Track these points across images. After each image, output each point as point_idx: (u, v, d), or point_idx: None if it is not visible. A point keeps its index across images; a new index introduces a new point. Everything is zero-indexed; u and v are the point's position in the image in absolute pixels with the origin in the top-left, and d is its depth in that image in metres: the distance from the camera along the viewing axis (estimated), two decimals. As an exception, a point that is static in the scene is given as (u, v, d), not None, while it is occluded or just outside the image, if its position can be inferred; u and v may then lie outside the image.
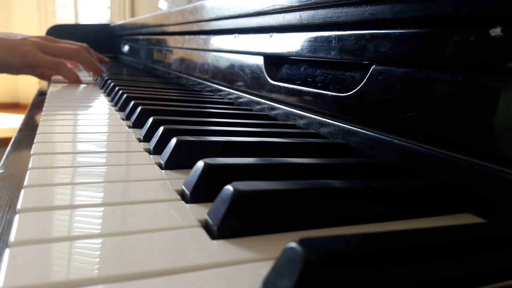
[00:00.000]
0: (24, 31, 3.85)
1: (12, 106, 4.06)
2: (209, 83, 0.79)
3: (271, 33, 0.55)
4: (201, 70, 0.81)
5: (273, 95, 0.54)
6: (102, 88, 0.89)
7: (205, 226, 0.23)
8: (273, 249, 0.21)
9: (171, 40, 1.03)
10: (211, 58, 0.76)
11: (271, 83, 0.54)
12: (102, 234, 0.21)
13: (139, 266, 0.19)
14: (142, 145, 0.41)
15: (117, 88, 0.71)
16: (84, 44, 1.10)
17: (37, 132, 0.43)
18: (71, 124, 0.50)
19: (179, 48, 0.97)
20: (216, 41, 0.74)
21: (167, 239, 0.21)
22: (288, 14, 0.49)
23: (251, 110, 0.60)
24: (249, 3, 0.57)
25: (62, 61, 0.94)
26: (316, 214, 0.24)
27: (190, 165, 0.30)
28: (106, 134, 0.44)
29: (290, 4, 0.46)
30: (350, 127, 0.39)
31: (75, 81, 0.97)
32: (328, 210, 0.24)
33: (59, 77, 1.00)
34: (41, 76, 1.04)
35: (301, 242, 0.17)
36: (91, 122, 0.51)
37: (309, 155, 0.37)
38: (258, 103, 0.59)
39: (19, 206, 0.24)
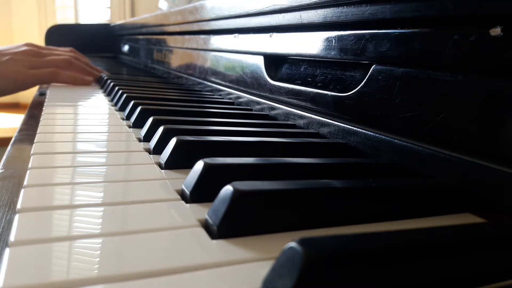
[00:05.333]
0: (24, 31, 3.86)
1: (12, 106, 4.06)
2: (209, 83, 0.79)
3: (271, 33, 0.55)
4: (201, 70, 0.81)
5: (273, 95, 0.54)
6: (101, 88, 0.89)
7: (205, 226, 0.23)
8: (273, 249, 0.21)
9: (171, 40, 1.03)
10: (211, 58, 0.76)
11: (271, 83, 0.54)
12: (102, 234, 0.21)
13: (139, 266, 0.19)
14: (142, 145, 0.41)
15: (117, 88, 0.71)
16: (69, 48, 1.06)
17: (37, 132, 0.43)
18: (71, 124, 0.50)
19: (179, 48, 0.97)
20: (216, 41, 0.74)
21: (167, 239, 0.21)
22: (288, 14, 0.49)
23: (251, 110, 0.60)
24: (249, 3, 0.56)
25: (56, 70, 0.92)
26: (316, 214, 0.24)
27: (190, 165, 0.30)
28: (106, 134, 0.44)
29: (290, 4, 0.46)
30: (350, 127, 0.39)
31: (80, 82, 0.94)
32: (328, 210, 0.24)
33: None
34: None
35: (301, 242, 0.17)
36: (91, 122, 0.51)
37: (309, 155, 0.37)
38: (258, 103, 0.59)
39: (19, 206, 0.24)
